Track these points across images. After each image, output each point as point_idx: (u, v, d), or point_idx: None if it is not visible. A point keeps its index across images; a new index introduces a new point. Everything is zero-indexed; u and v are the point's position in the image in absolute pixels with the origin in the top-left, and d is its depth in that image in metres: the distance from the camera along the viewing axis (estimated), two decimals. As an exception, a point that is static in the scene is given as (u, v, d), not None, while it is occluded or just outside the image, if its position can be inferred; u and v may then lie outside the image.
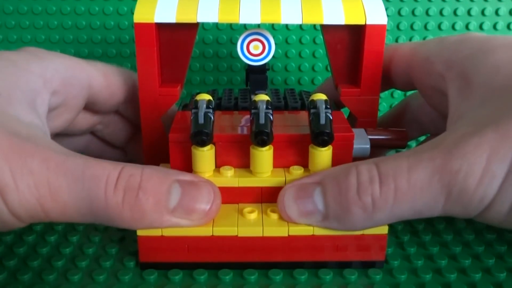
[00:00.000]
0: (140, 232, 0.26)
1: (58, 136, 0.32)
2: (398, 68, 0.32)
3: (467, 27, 0.49)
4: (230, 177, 0.27)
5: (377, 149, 0.32)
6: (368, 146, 0.30)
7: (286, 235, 0.26)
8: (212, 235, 0.26)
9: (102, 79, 0.31)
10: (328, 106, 0.27)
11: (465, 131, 0.23)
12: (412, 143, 0.44)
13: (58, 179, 0.23)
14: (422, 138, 0.39)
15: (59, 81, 0.29)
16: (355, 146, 0.28)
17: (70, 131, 0.33)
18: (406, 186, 0.23)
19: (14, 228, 0.24)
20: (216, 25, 0.48)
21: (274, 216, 0.26)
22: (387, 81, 0.34)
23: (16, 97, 0.26)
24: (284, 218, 0.26)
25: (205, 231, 0.26)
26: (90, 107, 0.33)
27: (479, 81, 0.25)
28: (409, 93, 0.43)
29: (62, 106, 0.30)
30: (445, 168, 0.22)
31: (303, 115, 0.31)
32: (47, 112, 0.28)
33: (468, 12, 0.49)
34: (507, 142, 0.22)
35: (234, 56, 0.49)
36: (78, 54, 0.48)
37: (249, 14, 0.29)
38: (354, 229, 0.25)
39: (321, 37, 0.38)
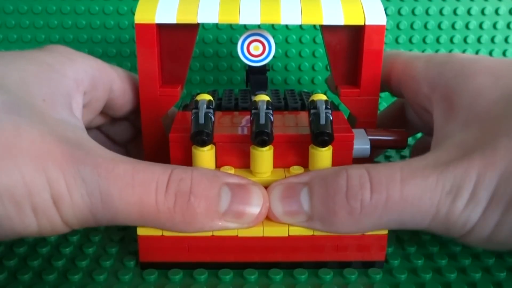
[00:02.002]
0: (140, 232, 0.26)
1: None
2: (394, 81, 0.33)
3: (467, 26, 0.49)
4: (230, 177, 0.27)
5: (377, 150, 0.32)
6: (368, 146, 0.30)
7: (286, 235, 0.26)
8: (212, 235, 0.26)
9: (121, 84, 0.32)
10: (328, 107, 0.27)
11: (455, 154, 0.24)
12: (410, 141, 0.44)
13: (109, 186, 0.23)
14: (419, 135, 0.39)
15: (87, 82, 0.29)
16: (355, 146, 0.28)
17: None
18: (398, 197, 0.23)
19: (60, 233, 0.24)
20: (216, 25, 0.48)
21: (274, 216, 0.26)
22: (387, 87, 0.34)
23: (59, 102, 0.26)
24: (269, 216, 0.26)
25: (205, 231, 0.26)
26: (105, 110, 0.33)
27: (462, 104, 0.26)
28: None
29: (86, 107, 0.30)
30: (437, 188, 0.23)
31: (303, 115, 0.31)
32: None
33: (468, 12, 0.49)
34: (492, 170, 0.22)
35: (234, 56, 0.49)
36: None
37: (249, 15, 0.29)
38: (337, 232, 0.25)
39: (321, 36, 0.38)
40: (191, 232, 0.25)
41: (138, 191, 0.23)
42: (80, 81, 0.28)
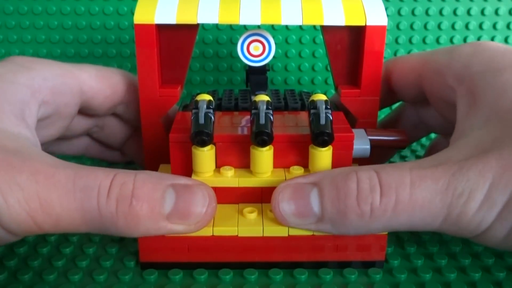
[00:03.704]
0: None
1: (56, 140, 0.32)
2: (406, 80, 0.32)
3: (466, 27, 0.49)
4: (230, 177, 0.27)
5: (377, 150, 0.32)
6: (368, 146, 0.30)
7: (286, 235, 0.26)
8: (212, 235, 0.26)
9: (94, 84, 0.31)
10: (328, 107, 0.27)
11: (469, 154, 0.23)
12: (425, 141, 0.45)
13: (49, 192, 0.23)
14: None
15: (48, 90, 0.28)
16: (355, 146, 0.28)
17: (66, 135, 0.33)
18: (407, 201, 0.23)
19: (9, 242, 0.24)
20: (216, 25, 0.48)
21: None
22: (391, 95, 0.34)
23: (3, 110, 0.25)
24: (277, 217, 0.25)
25: (205, 231, 0.26)
26: (84, 111, 0.32)
27: (485, 101, 0.25)
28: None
29: (54, 115, 0.30)
30: (448, 190, 0.23)
31: (303, 115, 0.31)
32: (37, 122, 0.28)
33: (468, 12, 0.49)
34: (509, 172, 0.22)
35: (234, 56, 0.49)
36: (78, 55, 0.48)
37: (249, 15, 0.29)
38: (347, 234, 0.25)
39: (321, 37, 0.38)
40: (137, 236, 0.25)
41: (80, 196, 0.23)
42: (37, 89, 0.28)
